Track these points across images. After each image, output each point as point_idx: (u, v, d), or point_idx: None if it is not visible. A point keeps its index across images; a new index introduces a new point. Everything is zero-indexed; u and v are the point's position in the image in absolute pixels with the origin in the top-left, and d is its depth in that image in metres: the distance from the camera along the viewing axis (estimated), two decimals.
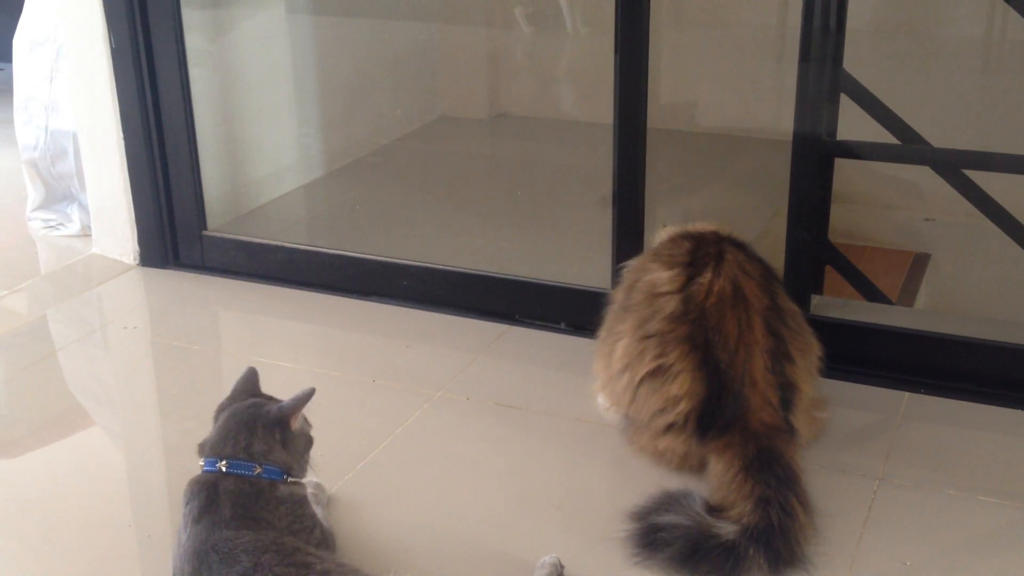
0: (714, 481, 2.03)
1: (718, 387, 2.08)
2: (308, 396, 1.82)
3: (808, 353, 2.21)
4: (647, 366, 2.13)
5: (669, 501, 1.95)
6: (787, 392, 2.11)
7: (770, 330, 2.13)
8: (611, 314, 2.33)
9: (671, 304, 2.15)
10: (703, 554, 1.85)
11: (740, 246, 2.27)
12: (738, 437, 2.04)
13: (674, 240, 2.33)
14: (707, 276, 2.17)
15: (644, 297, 2.21)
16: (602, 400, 2.34)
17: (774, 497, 1.91)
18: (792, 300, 2.28)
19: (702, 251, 2.23)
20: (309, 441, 1.87)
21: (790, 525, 1.88)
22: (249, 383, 1.90)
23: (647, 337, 2.15)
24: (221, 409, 1.85)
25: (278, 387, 1.96)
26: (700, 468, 2.10)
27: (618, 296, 2.34)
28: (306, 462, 1.86)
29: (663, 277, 2.21)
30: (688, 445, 2.10)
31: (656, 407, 2.12)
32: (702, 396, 2.09)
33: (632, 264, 2.39)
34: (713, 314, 2.12)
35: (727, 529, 1.88)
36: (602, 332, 2.34)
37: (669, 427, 2.12)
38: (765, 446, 2.01)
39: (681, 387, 2.10)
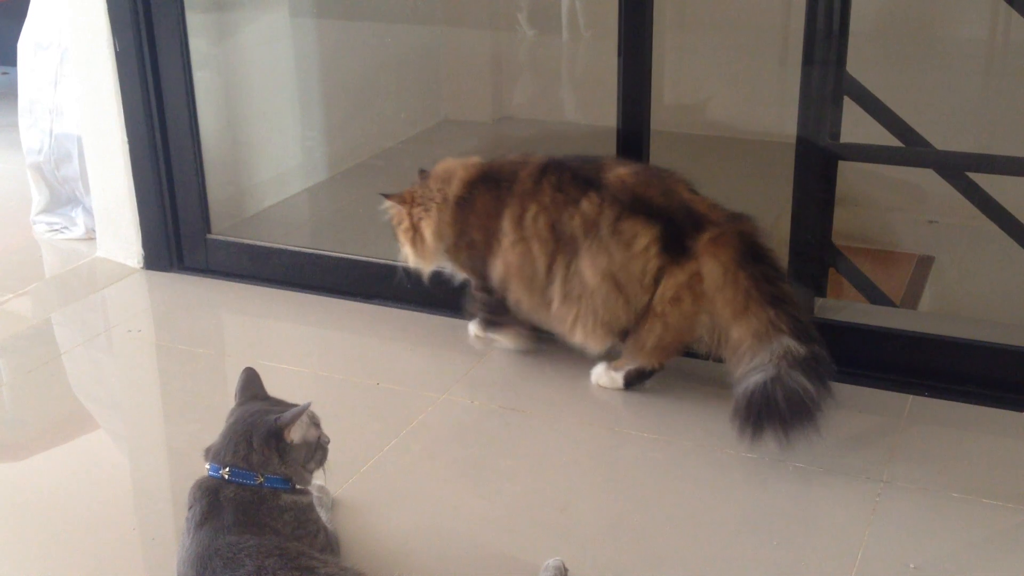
0: (717, 285, 2.33)
1: (667, 219, 2.39)
2: (303, 410, 1.81)
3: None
4: (622, 248, 2.40)
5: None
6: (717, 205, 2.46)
7: (677, 179, 2.48)
8: (557, 271, 2.47)
9: (608, 209, 2.42)
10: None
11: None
12: (710, 236, 2.35)
13: (538, 175, 2.52)
14: (608, 176, 2.45)
15: (585, 227, 2.43)
16: (600, 372, 2.55)
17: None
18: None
19: (580, 173, 2.48)
20: (315, 449, 1.86)
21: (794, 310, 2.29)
22: (251, 384, 1.90)
23: (609, 235, 2.40)
24: (229, 415, 1.85)
25: (282, 390, 1.97)
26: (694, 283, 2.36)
27: (558, 261, 2.47)
28: (309, 472, 1.85)
29: (584, 206, 2.43)
30: (676, 272, 2.37)
31: (638, 270, 2.39)
32: (659, 232, 2.38)
33: (536, 226, 2.50)
34: (638, 184, 2.43)
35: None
36: (560, 305, 2.49)
37: (656, 275, 2.38)
38: (740, 232, 2.36)
39: (644, 240, 2.38)
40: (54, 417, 2.55)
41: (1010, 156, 2.81)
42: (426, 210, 2.63)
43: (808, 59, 2.54)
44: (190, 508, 1.74)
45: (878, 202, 3.95)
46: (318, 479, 2.04)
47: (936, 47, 3.87)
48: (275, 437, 1.79)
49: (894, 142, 2.81)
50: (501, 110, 4.52)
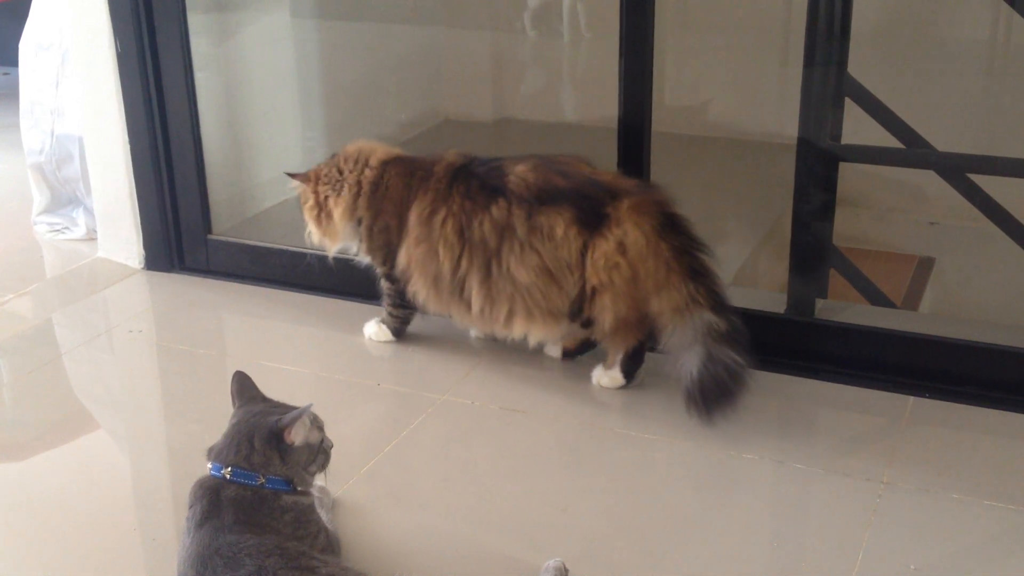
0: (638, 248, 2.38)
1: (579, 198, 2.42)
2: (304, 412, 1.81)
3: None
4: (543, 238, 2.43)
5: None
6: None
7: (576, 163, 2.53)
8: (483, 274, 2.50)
9: (517, 209, 2.46)
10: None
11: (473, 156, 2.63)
12: (629, 204, 2.39)
13: (451, 178, 2.56)
14: (510, 177, 2.49)
15: (500, 233, 2.48)
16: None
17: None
18: None
19: (489, 179, 2.52)
20: (317, 452, 1.86)
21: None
22: (246, 387, 1.90)
23: (529, 232, 2.44)
24: (232, 416, 1.85)
25: (283, 391, 1.97)
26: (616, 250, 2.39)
27: (477, 266, 2.51)
28: (311, 474, 1.85)
29: (494, 212, 2.48)
30: (600, 244, 2.39)
31: (565, 254, 2.42)
32: (573, 212, 2.41)
33: (444, 236, 2.54)
34: (540, 177, 2.46)
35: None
36: (490, 307, 2.52)
37: (580, 251, 2.41)
38: (657, 201, 2.41)
39: (562, 225, 2.41)
40: (55, 417, 2.56)
41: (1011, 157, 2.81)
42: (335, 190, 2.67)
43: (809, 60, 2.54)
44: (191, 507, 1.75)
45: (879, 203, 3.95)
46: (319, 480, 2.04)
47: (937, 48, 3.87)
48: (276, 438, 1.79)
49: (895, 143, 2.81)
50: (502, 110, 4.52)
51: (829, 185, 2.70)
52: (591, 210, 2.41)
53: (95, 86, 3.13)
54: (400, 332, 2.77)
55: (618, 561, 1.95)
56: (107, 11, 3.02)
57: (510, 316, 2.50)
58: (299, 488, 1.81)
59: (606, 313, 2.43)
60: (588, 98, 4.41)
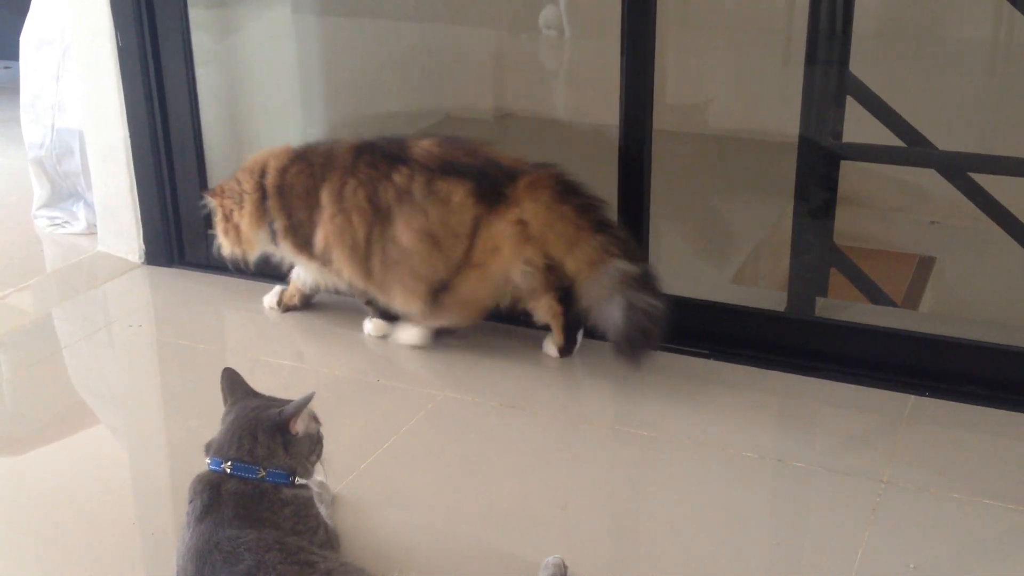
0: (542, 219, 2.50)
1: (478, 174, 2.54)
2: (307, 401, 1.82)
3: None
4: (439, 207, 2.53)
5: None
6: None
7: (477, 142, 2.65)
8: (372, 237, 2.60)
9: (418, 181, 2.56)
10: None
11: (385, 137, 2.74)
12: (525, 182, 2.51)
13: (355, 155, 2.66)
14: (414, 150, 2.60)
15: (398, 198, 2.56)
16: (406, 332, 2.71)
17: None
18: None
19: (389, 151, 2.63)
20: (316, 442, 1.87)
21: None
22: (237, 383, 1.89)
23: (425, 198, 2.54)
24: (226, 414, 1.85)
25: (283, 386, 1.97)
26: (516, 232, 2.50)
27: (373, 231, 2.61)
28: (311, 464, 1.86)
29: (396, 179, 2.57)
30: (494, 220, 2.50)
31: (455, 223, 2.52)
32: (472, 185, 2.52)
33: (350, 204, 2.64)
34: (445, 151, 2.59)
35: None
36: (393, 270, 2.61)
37: (474, 224, 2.52)
38: (551, 174, 2.53)
39: (460, 195, 2.52)
40: (54, 412, 2.56)
41: (1013, 156, 2.81)
42: (237, 203, 2.79)
43: (811, 58, 2.53)
44: (190, 502, 1.74)
45: (880, 202, 3.95)
46: (318, 475, 2.04)
47: (939, 47, 3.87)
48: (280, 430, 1.79)
49: (896, 142, 2.81)
50: (503, 107, 4.52)
51: (830, 183, 2.70)
52: (490, 188, 2.52)
53: (96, 80, 3.13)
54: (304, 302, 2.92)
55: (617, 558, 1.95)
56: (108, 6, 3.02)
57: (394, 284, 2.60)
58: (298, 480, 1.81)
59: (465, 286, 2.56)
60: (589, 95, 4.40)
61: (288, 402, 1.84)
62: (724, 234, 3.56)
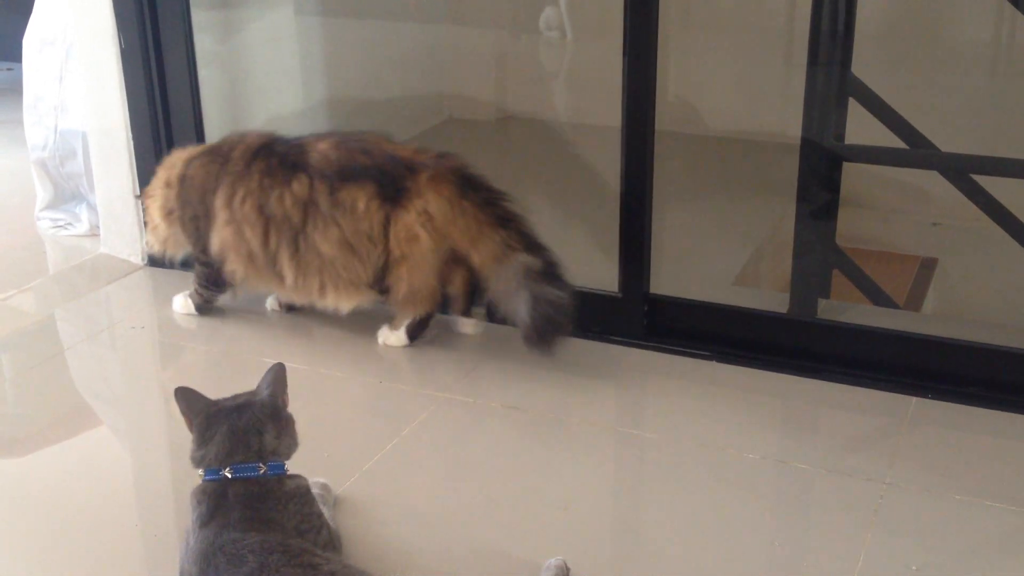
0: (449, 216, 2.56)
1: (378, 173, 2.59)
2: (283, 373, 1.84)
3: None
4: (349, 216, 2.60)
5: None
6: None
7: (375, 140, 2.69)
8: (292, 249, 2.66)
9: (319, 187, 2.61)
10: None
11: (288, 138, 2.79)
12: (427, 176, 2.57)
13: (250, 158, 2.71)
14: (312, 155, 2.64)
15: (301, 210, 2.63)
16: (385, 332, 2.76)
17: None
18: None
19: (288, 156, 2.67)
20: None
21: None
22: (193, 399, 1.83)
23: (330, 209, 2.60)
24: (207, 426, 1.79)
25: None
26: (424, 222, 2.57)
27: (286, 240, 2.67)
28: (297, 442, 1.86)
29: (295, 187, 2.63)
30: (401, 215, 2.57)
31: (366, 227, 2.59)
32: (374, 186, 2.58)
33: (246, 213, 2.70)
34: (342, 156, 2.63)
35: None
36: (301, 286, 2.71)
37: (384, 222, 2.58)
38: (453, 168, 2.59)
39: (364, 200, 2.58)
40: (57, 413, 2.56)
41: (1015, 158, 2.81)
42: (150, 196, 2.88)
43: (813, 60, 2.53)
44: (195, 509, 1.74)
45: (882, 204, 3.95)
46: (320, 476, 2.05)
47: (941, 49, 3.87)
48: (276, 413, 1.80)
49: (898, 144, 2.81)
50: (505, 109, 4.52)
51: (832, 185, 2.70)
52: (391, 185, 2.58)
53: (99, 82, 3.13)
54: (203, 309, 2.93)
55: (619, 560, 1.95)
56: (111, 7, 3.02)
57: (322, 288, 2.67)
58: (290, 472, 1.81)
59: (402, 283, 2.61)
60: (591, 97, 4.40)
61: (255, 391, 1.83)
62: (726, 235, 3.56)
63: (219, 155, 2.78)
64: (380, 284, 2.64)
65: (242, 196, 2.68)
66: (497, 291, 2.57)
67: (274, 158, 2.69)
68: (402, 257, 2.59)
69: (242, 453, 1.76)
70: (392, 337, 2.72)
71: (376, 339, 2.76)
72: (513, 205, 2.59)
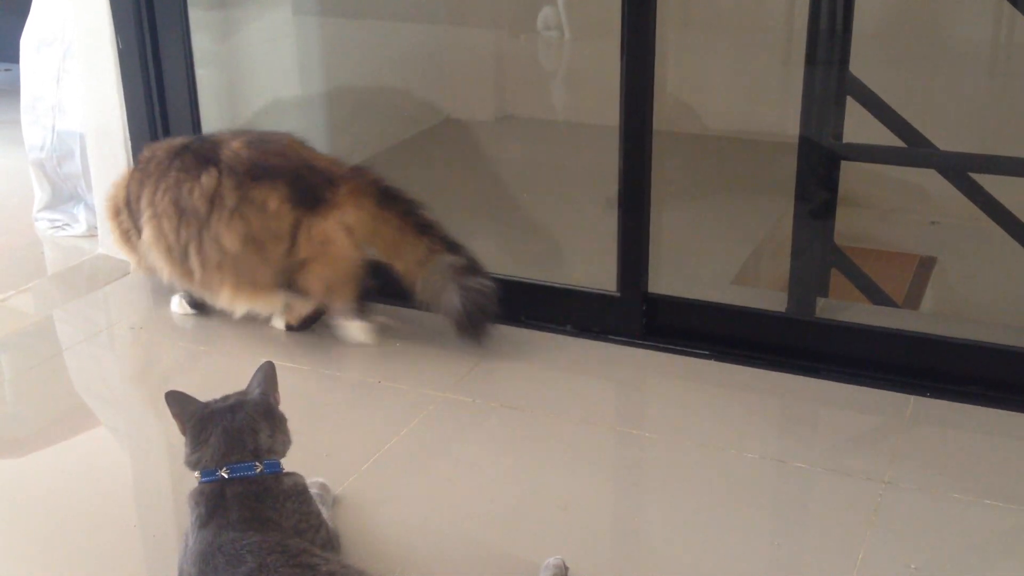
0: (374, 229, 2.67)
1: (294, 177, 2.65)
2: (273, 371, 1.85)
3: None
4: (257, 215, 2.63)
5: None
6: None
7: (288, 142, 2.76)
8: (198, 241, 2.71)
9: (228, 183, 2.65)
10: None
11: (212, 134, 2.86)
12: (347, 189, 2.65)
13: (176, 166, 2.76)
14: (225, 152, 2.69)
15: (207, 202, 2.67)
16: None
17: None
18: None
19: (201, 150, 2.74)
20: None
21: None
22: (186, 401, 1.82)
23: (240, 205, 2.64)
24: (201, 428, 1.78)
25: (284, 388, 1.96)
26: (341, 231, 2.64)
27: (192, 235, 2.72)
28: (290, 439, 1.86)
29: (204, 181, 2.68)
30: (315, 221, 2.62)
31: (275, 226, 2.63)
32: (287, 189, 2.63)
33: (162, 208, 2.77)
34: (255, 155, 2.68)
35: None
36: (208, 273, 2.74)
37: (293, 226, 2.63)
38: (371, 181, 2.68)
39: (276, 200, 2.62)
40: (55, 413, 2.56)
41: (1013, 157, 2.80)
42: (111, 232, 3.00)
43: (811, 59, 2.53)
44: (193, 511, 1.73)
45: (880, 202, 3.95)
46: (319, 476, 2.04)
47: (940, 47, 3.87)
48: (269, 411, 1.80)
49: (897, 142, 2.81)
50: (503, 109, 4.52)
51: (830, 184, 2.70)
52: (308, 192, 2.63)
53: (96, 82, 3.13)
54: (200, 309, 2.94)
55: (618, 559, 1.95)
56: (108, 7, 3.02)
57: (220, 284, 2.72)
58: (286, 469, 1.81)
59: (316, 280, 2.67)
60: (589, 96, 4.40)
61: (245, 391, 1.83)
62: (725, 235, 3.56)
63: (145, 160, 2.86)
64: (290, 286, 2.69)
65: (163, 191, 2.75)
66: (425, 291, 2.66)
67: (188, 154, 2.75)
68: (314, 258, 2.65)
69: (238, 453, 1.76)
70: (281, 321, 2.81)
71: (374, 339, 2.76)
72: (430, 213, 2.68)
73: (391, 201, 2.67)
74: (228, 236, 2.66)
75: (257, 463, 1.76)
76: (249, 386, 1.84)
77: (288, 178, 2.65)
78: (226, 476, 1.74)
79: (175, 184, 2.73)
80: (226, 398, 1.83)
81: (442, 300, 2.64)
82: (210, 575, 1.63)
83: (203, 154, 2.73)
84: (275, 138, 2.78)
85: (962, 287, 3.76)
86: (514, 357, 2.67)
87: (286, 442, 1.83)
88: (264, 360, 1.86)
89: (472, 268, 2.65)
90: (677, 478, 2.20)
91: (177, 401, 1.83)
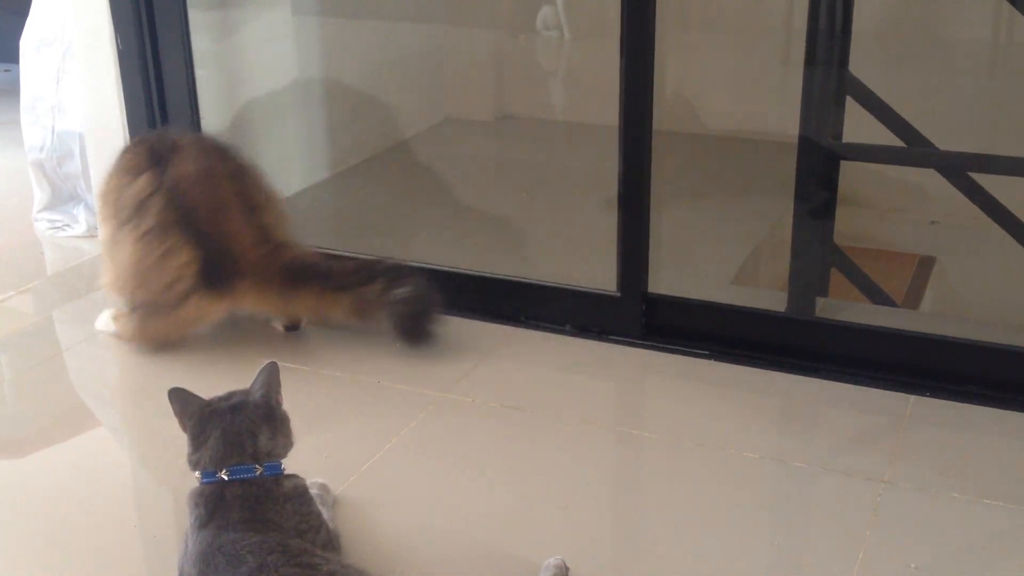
0: (288, 309, 2.69)
1: (210, 249, 2.58)
2: (276, 371, 1.84)
3: (271, 198, 2.77)
4: (156, 255, 2.58)
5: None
6: (266, 232, 2.66)
7: (236, 191, 2.67)
8: (109, 233, 2.71)
9: (156, 202, 2.59)
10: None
11: (182, 132, 2.81)
12: (250, 283, 2.60)
13: (130, 150, 2.75)
14: (175, 166, 2.62)
15: (134, 208, 2.62)
16: (104, 317, 2.80)
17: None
18: (246, 163, 2.80)
19: (159, 148, 2.68)
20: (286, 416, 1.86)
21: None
22: (188, 399, 1.83)
23: (147, 234, 2.59)
24: (201, 429, 1.79)
25: (284, 388, 1.96)
26: (226, 315, 2.66)
27: (109, 221, 2.71)
28: (292, 441, 1.85)
29: (140, 184, 2.63)
30: (207, 301, 2.60)
31: (168, 280, 2.57)
32: (201, 259, 2.57)
33: (108, 186, 2.75)
34: (192, 195, 2.60)
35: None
36: (103, 251, 2.76)
37: (185, 294, 2.58)
38: (281, 268, 2.62)
39: (184, 259, 2.57)
40: (55, 414, 2.56)
41: (1013, 156, 2.81)
42: None
43: (810, 59, 2.54)
44: (192, 512, 1.73)
45: (880, 202, 3.95)
46: (319, 476, 2.05)
47: (939, 47, 3.87)
48: (270, 413, 1.79)
49: (896, 142, 2.81)
50: (503, 108, 4.52)
51: (830, 183, 2.70)
52: (215, 271, 2.59)
53: (96, 83, 3.13)
54: None
55: (618, 559, 1.95)
56: (108, 8, 3.02)
57: (112, 282, 2.73)
58: (286, 471, 1.80)
59: (156, 322, 2.66)
60: (589, 96, 4.40)
61: (248, 391, 1.82)
62: (724, 234, 3.56)
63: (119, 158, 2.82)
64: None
65: (115, 183, 2.72)
66: (366, 324, 2.67)
67: (144, 145, 2.72)
68: (178, 315, 2.64)
69: (236, 456, 1.75)
70: (104, 322, 2.80)
71: (370, 340, 2.76)
72: (348, 260, 2.69)
73: (303, 280, 2.63)
74: (127, 252, 2.62)
75: (257, 466, 1.75)
76: (252, 386, 1.83)
77: (206, 248, 2.59)
78: (225, 478, 1.74)
79: (123, 174, 2.69)
80: (229, 396, 1.83)
81: (376, 323, 2.65)
82: (210, 574, 1.63)
83: (158, 151, 2.67)
84: (223, 186, 2.67)
85: (962, 287, 3.76)
86: (514, 357, 2.67)
87: (288, 444, 1.82)
88: (266, 360, 1.85)
89: (389, 286, 2.62)
90: (677, 478, 2.20)
91: (179, 399, 1.82)
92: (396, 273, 2.64)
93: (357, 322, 2.66)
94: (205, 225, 2.60)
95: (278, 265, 2.64)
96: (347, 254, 2.81)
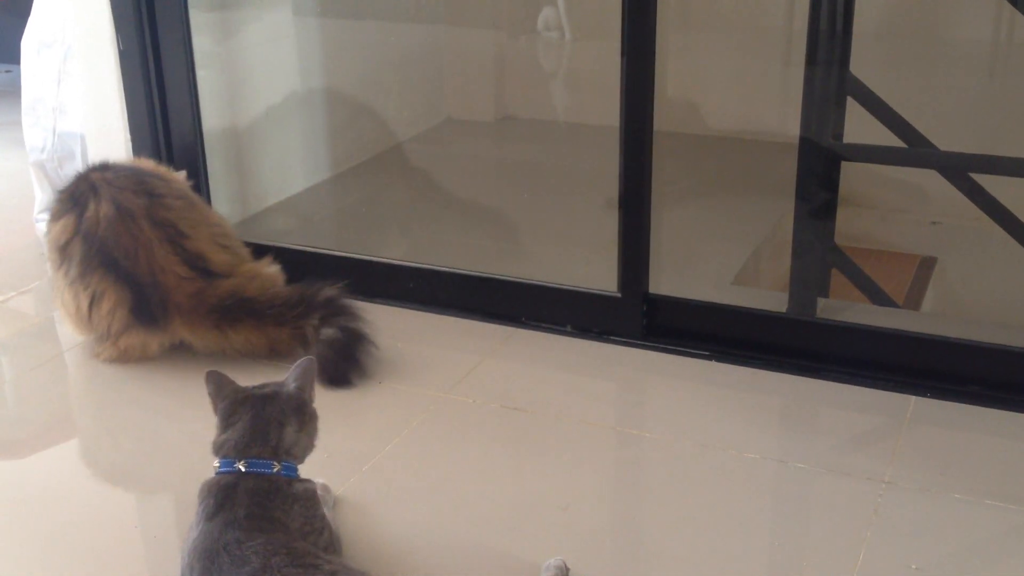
0: (233, 345, 2.62)
1: (137, 287, 2.57)
2: (313, 367, 1.85)
3: (201, 224, 2.71)
4: (86, 300, 2.59)
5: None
6: (197, 261, 2.63)
7: (156, 223, 2.62)
8: (52, 278, 2.74)
9: (76, 247, 2.60)
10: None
11: (105, 168, 2.74)
12: (181, 322, 2.59)
13: (58, 194, 2.77)
14: (91, 209, 2.61)
15: (58, 253, 2.65)
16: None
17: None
18: (172, 181, 2.79)
19: (78, 190, 2.67)
20: (315, 416, 1.88)
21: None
22: (223, 383, 1.85)
23: (75, 281, 2.60)
24: (232, 411, 1.81)
25: None
26: (167, 348, 2.65)
27: (51, 265, 2.73)
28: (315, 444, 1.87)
29: (58, 229, 2.65)
30: (143, 336, 2.61)
31: (107, 323, 2.60)
32: (129, 299, 2.57)
33: (47, 232, 2.76)
34: (109, 236, 2.58)
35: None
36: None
37: (121, 331, 2.60)
38: (214, 305, 2.59)
39: (111, 302, 2.57)
40: (56, 414, 2.56)
41: (1014, 157, 2.81)
42: None
43: (811, 59, 2.54)
44: (202, 501, 1.74)
45: (881, 203, 3.95)
46: (320, 477, 2.04)
47: (940, 47, 3.87)
48: (300, 408, 1.81)
49: (897, 143, 2.81)
50: (503, 109, 4.53)
51: (831, 184, 2.70)
52: (146, 310, 2.58)
53: (97, 84, 3.13)
54: None
55: (618, 560, 1.95)
56: (109, 9, 3.02)
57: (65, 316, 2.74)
58: (307, 453, 1.83)
59: (105, 348, 2.66)
60: (590, 97, 4.41)
61: (282, 383, 1.83)
62: (725, 235, 3.56)
63: None
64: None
65: (48, 233, 2.75)
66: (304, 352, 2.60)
67: (67, 191, 2.72)
68: (117, 346, 2.66)
69: (259, 446, 1.76)
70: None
71: (379, 342, 2.76)
72: (288, 292, 2.65)
73: (238, 316, 2.60)
74: (65, 298, 2.64)
75: (276, 463, 1.76)
76: (286, 379, 1.85)
77: (131, 289, 2.58)
78: (243, 469, 1.74)
79: (49, 220, 2.72)
80: (263, 386, 1.85)
81: (329, 349, 2.59)
82: (215, 574, 1.64)
83: (79, 193, 2.66)
84: (140, 228, 2.61)
85: (963, 287, 3.76)
86: (514, 357, 2.67)
87: (309, 446, 1.83)
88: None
89: (328, 316, 2.60)
90: (677, 478, 2.20)
91: (214, 381, 1.85)
92: (333, 306, 2.61)
93: (303, 352, 2.57)
94: (128, 264, 2.58)
95: (213, 301, 2.60)
96: (289, 288, 2.73)
